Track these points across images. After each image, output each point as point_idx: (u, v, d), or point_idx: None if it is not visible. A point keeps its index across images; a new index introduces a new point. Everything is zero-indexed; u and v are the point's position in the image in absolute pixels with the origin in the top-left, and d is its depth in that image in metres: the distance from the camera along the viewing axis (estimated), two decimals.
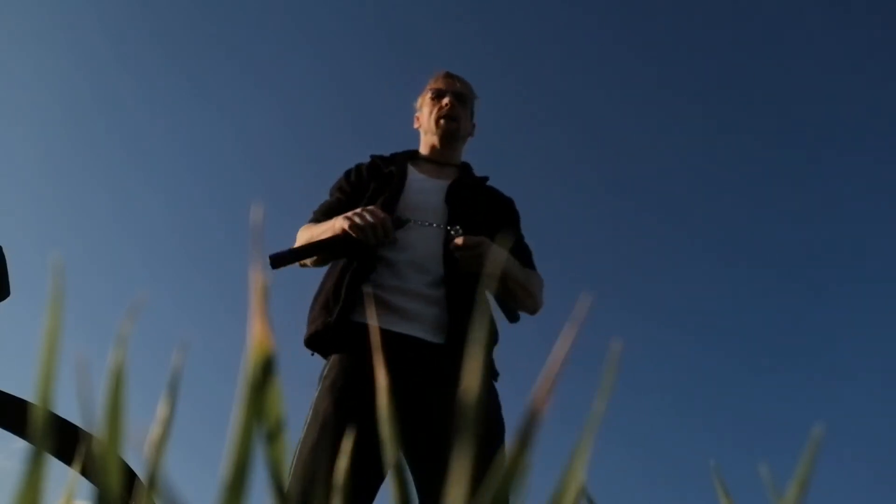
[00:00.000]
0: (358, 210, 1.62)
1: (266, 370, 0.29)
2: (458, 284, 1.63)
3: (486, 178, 1.95)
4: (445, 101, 1.94)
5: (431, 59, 6.96)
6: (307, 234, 1.74)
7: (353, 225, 1.59)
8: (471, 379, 0.29)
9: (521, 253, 1.85)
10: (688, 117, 6.90)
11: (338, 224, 1.64)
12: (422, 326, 1.59)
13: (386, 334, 1.55)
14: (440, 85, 1.98)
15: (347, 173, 1.92)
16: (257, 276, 0.30)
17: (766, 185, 6.67)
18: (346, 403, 1.46)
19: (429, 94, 1.98)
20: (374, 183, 1.84)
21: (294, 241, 1.80)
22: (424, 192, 1.80)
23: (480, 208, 1.81)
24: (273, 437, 0.29)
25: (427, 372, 1.53)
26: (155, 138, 6.74)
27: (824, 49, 6.30)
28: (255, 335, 0.30)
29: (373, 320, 1.59)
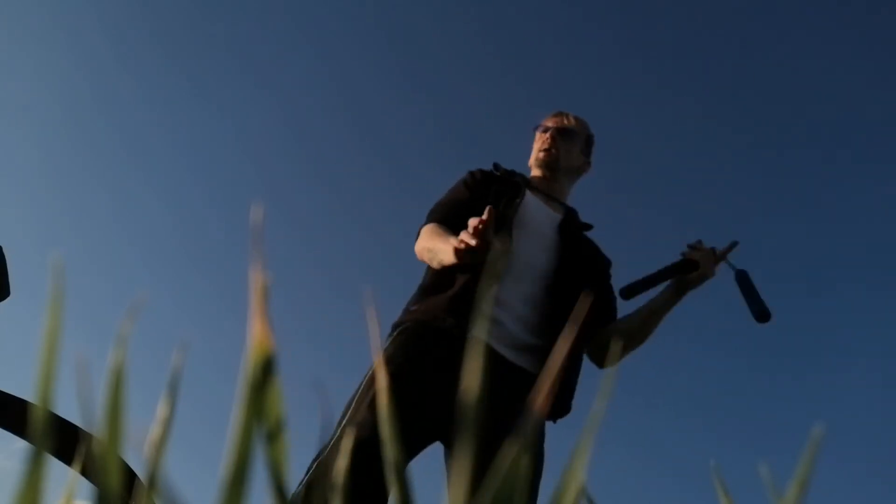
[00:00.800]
0: (463, 235, 1.49)
1: (266, 370, 0.29)
2: (555, 311, 1.65)
3: (590, 227, 1.96)
4: (547, 136, 1.98)
5: (431, 59, 6.96)
6: (437, 242, 1.64)
7: (457, 253, 1.48)
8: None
9: (610, 314, 1.87)
10: (688, 117, 6.90)
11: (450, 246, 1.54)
12: (512, 347, 1.61)
13: (490, 352, 1.56)
14: (548, 122, 2.03)
15: (472, 173, 1.92)
16: (257, 276, 0.30)
17: (766, 186, 6.67)
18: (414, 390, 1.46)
19: (537, 131, 2.03)
20: (495, 187, 1.85)
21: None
22: (538, 215, 1.83)
23: (584, 252, 1.86)
24: (273, 437, 0.29)
25: (503, 391, 1.54)
26: (155, 138, 6.74)
27: (825, 49, 6.31)
28: (255, 335, 0.30)
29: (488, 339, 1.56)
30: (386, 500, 1.32)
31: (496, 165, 1.97)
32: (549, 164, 1.96)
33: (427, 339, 1.56)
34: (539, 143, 2.00)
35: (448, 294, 1.62)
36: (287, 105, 6.89)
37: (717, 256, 1.85)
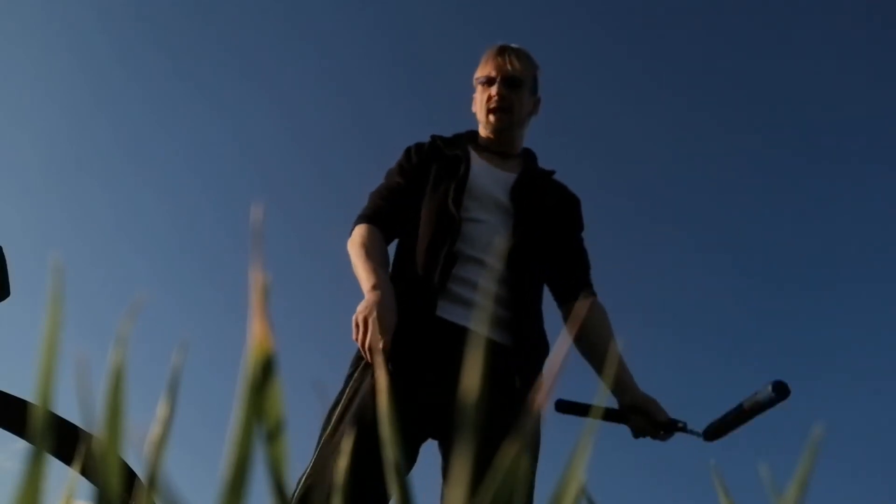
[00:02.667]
0: (366, 312, 1.47)
1: (266, 370, 0.29)
2: (519, 282, 1.60)
3: (552, 172, 1.83)
4: (494, 90, 1.75)
5: (432, 60, 6.97)
6: (360, 265, 1.59)
7: (355, 336, 1.49)
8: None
9: (583, 268, 1.79)
10: (688, 117, 6.90)
11: (367, 286, 1.53)
12: (494, 328, 1.55)
13: (457, 329, 1.52)
14: (490, 69, 1.77)
15: (407, 153, 1.79)
16: (257, 276, 0.30)
17: (766, 186, 6.67)
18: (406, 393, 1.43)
19: (480, 73, 1.80)
20: (435, 165, 1.73)
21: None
22: (488, 183, 1.70)
23: (546, 207, 1.74)
24: (273, 437, 0.29)
25: (494, 373, 1.51)
26: (155, 138, 6.74)
27: (826, 49, 6.30)
28: (255, 335, 0.30)
29: (460, 319, 1.53)
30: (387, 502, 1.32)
31: (434, 137, 1.81)
32: (501, 128, 1.77)
33: (414, 335, 1.52)
34: (485, 98, 1.77)
35: (417, 281, 1.58)
36: (287, 105, 6.89)
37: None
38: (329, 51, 6.86)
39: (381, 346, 1.43)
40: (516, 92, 1.77)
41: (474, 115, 1.85)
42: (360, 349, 1.48)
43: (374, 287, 1.51)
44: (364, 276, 1.56)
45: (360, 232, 1.67)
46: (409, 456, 1.45)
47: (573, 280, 1.76)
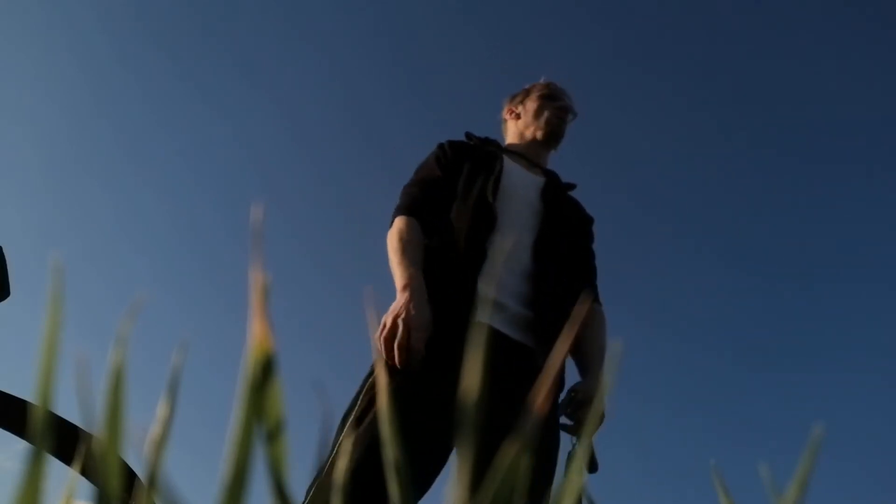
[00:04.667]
0: (397, 312, 1.46)
1: (266, 370, 0.29)
2: (545, 281, 1.62)
3: (573, 186, 1.93)
4: (560, 104, 1.94)
5: (432, 59, 6.96)
6: (396, 246, 1.60)
7: (382, 335, 1.46)
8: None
9: (591, 277, 1.83)
10: (688, 116, 6.90)
11: (401, 283, 1.52)
12: (511, 323, 1.56)
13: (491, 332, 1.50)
14: (554, 91, 1.98)
15: (441, 147, 1.84)
16: (257, 276, 0.30)
17: (765, 186, 6.67)
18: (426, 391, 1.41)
19: (543, 91, 1.97)
20: (468, 163, 1.78)
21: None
22: (521, 183, 1.77)
23: (569, 215, 1.82)
24: (273, 437, 0.29)
25: (513, 371, 1.50)
26: (155, 138, 6.74)
27: (826, 49, 6.31)
28: (255, 335, 0.30)
29: (490, 321, 1.51)
30: None
31: (469, 135, 1.90)
32: (557, 138, 1.92)
33: (434, 335, 1.49)
34: (550, 105, 1.94)
35: (448, 281, 1.57)
36: (287, 105, 6.89)
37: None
38: (329, 51, 6.87)
39: (412, 345, 1.41)
40: (568, 118, 1.96)
41: (502, 122, 2.02)
42: (383, 348, 1.44)
43: (406, 286, 1.49)
44: (399, 272, 1.55)
45: (399, 225, 1.65)
46: (439, 462, 1.42)
47: (583, 287, 1.79)
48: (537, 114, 1.93)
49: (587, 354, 1.68)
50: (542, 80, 2.02)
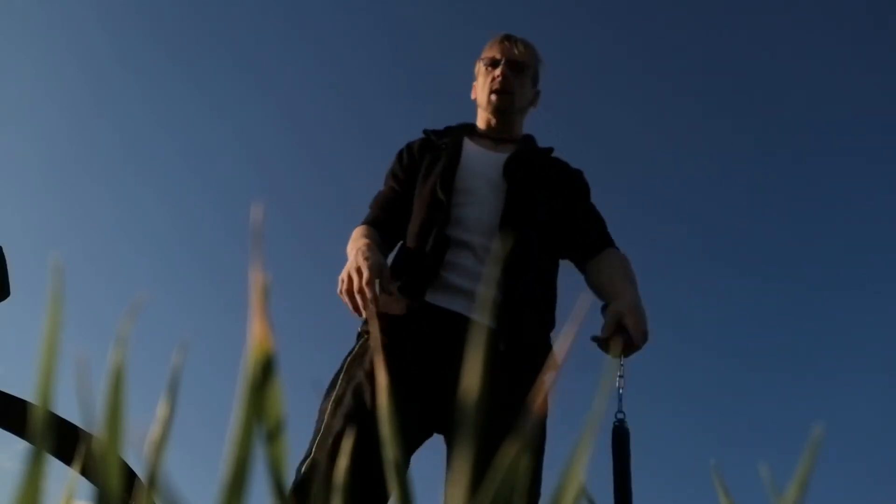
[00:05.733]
0: (352, 263, 1.46)
1: (266, 370, 0.29)
2: (516, 262, 1.55)
3: (550, 150, 1.81)
4: (498, 72, 1.74)
5: (432, 60, 6.97)
6: (353, 245, 1.59)
7: (341, 289, 1.45)
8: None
9: (596, 226, 1.73)
10: (689, 116, 6.90)
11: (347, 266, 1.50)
12: (472, 305, 1.51)
13: (450, 315, 1.49)
14: (495, 52, 1.78)
15: (399, 156, 1.79)
16: (257, 276, 0.30)
17: (765, 186, 6.67)
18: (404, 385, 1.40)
19: (482, 63, 1.80)
20: (427, 158, 1.72)
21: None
22: (480, 166, 1.68)
23: (544, 182, 1.70)
24: (273, 437, 0.29)
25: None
26: (155, 138, 6.74)
27: (827, 49, 6.31)
28: (255, 335, 0.30)
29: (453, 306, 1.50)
30: (385, 501, 1.30)
31: (426, 132, 1.82)
32: (503, 109, 1.75)
33: (404, 324, 1.49)
34: (488, 79, 1.76)
35: (410, 269, 1.56)
36: (288, 104, 6.89)
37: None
38: (329, 51, 6.87)
39: (375, 285, 1.40)
40: (519, 76, 1.76)
41: (474, 102, 1.84)
42: (348, 302, 1.42)
43: (355, 249, 1.50)
44: (351, 248, 1.55)
45: (356, 230, 1.66)
46: (408, 453, 1.42)
47: (589, 239, 1.70)
48: (482, 93, 1.78)
49: (612, 281, 1.58)
50: (491, 38, 1.83)
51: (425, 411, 1.43)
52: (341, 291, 1.44)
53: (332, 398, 1.43)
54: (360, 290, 1.40)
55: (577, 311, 0.29)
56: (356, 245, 1.55)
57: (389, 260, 1.64)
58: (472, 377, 0.29)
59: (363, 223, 1.69)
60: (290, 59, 6.78)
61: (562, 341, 0.29)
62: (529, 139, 1.82)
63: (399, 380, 1.40)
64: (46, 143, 6.66)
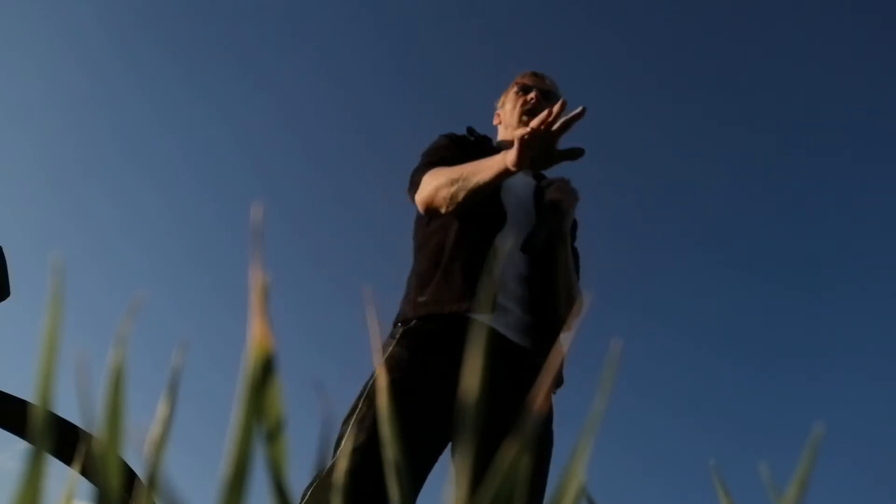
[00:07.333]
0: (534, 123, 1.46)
1: (266, 370, 0.29)
2: (539, 281, 1.60)
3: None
4: (531, 96, 1.88)
5: (433, 58, 6.97)
6: (465, 167, 1.58)
7: (531, 135, 1.44)
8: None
9: (576, 263, 1.82)
10: (689, 115, 6.90)
11: (503, 158, 1.51)
12: (510, 326, 1.55)
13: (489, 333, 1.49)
14: (527, 81, 1.93)
15: (448, 136, 1.84)
16: (257, 276, 0.30)
17: (765, 186, 6.67)
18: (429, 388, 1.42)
19: (514, 89, 1.93)
20: (473, 153, 1.74)
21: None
22: (518, 184, 1.74)
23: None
24: (273, 437, 0.29)
25: (510, 375, 1.49)
26: (155, 138, 6.74)
27: (828, 48, 6.31)
28: (255, 335, 0.30)
29: (491, 321, 1.49)
30: None
31: (470, 130, 1.89)
32: None
33: (439, 335, 1.50)
34: (521, 102, 1.89)
35: (458, 277, 1.56)
36: (288, 104, 6.89)
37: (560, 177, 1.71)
38: (329, 51, 6.87)
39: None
40: (549, 104, 1.81)
41: (495, 128, 1.95)
42: (538, 124, 1.42)
43: (506, 154, 1.48)
44: (485, 166, 1.54)
45: (436, 170, 1.66)
46: (428, 462, 1.42)
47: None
48: (512, 114, 1.89)
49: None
50: (521, 73, 1.96)
51: (446, 420, 1.42)
52: (537, 125, 1.43)
53: (354, 419, 1.42)
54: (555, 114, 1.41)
55: (576, 312, 0.29)
56: (473, 164, 1.57)
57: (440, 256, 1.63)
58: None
59: (431, 166, 1.69)
60: (290, 60, 6.78)
61: (561, 341, 0.29)
62: (541, 174, 1.88)
63: (423, 387, 1.41)
64: (46, 143, 6.66)
